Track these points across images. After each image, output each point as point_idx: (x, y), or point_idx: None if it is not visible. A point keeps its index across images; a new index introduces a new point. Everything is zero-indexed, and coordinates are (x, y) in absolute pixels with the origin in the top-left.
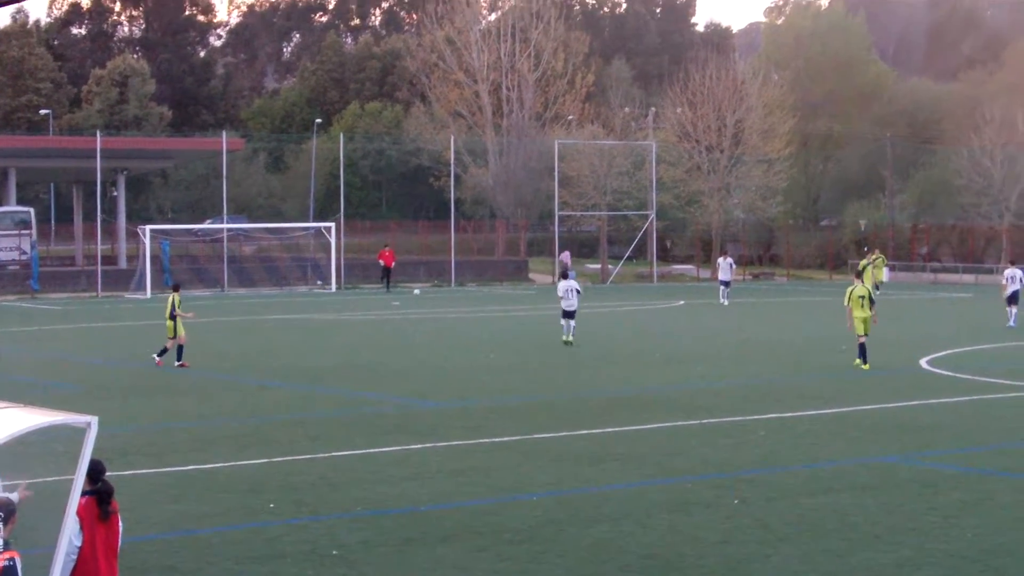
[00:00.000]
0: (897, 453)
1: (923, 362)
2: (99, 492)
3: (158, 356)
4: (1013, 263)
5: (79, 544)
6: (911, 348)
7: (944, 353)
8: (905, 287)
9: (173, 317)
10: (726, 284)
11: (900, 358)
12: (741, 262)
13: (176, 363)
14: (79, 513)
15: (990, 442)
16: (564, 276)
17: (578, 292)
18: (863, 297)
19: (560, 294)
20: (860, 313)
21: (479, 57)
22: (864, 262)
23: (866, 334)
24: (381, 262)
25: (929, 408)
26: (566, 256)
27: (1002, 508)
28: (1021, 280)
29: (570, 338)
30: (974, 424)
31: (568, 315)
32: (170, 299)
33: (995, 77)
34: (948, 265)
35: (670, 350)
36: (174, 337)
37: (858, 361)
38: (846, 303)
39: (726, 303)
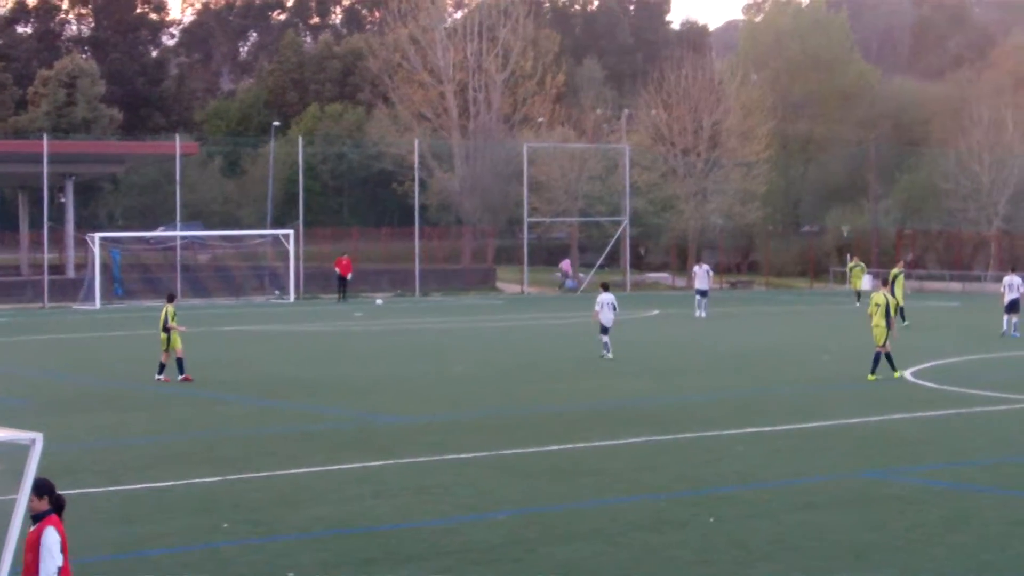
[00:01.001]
0: (880, 468)
1: (908, 374)
2: (60, 509)
3: (159, 375)
4: (1013, 269)
5: (60, 565)
6: (896, 359)
7: (930, 364)
8: None
9: (167, 329)
10: (703, 294)
11: (883, 369)
12: (718, 270)
13: (179, 377)
14: (59, 532)
15: (977, 457)
16: (605, 288)
17: (614, 307)
18: (879, 305)
19: (596, 308)
20: (875, 321)
21: (444, 57)
22: (895, 271)
23: (882, 344)
24: (337, 270)
25: (913, 422)
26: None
27: (989, 525)
28: (1020, 288)
29: (609, 355)
30: (960, 438)
31: (604, 330)
32: (164, 311)
33: (983, 76)
34: (934, 273)
35: (644, 362)
36: (167, 350)
37: (872, 376)
38: (869, 311)
39: (703, 315)
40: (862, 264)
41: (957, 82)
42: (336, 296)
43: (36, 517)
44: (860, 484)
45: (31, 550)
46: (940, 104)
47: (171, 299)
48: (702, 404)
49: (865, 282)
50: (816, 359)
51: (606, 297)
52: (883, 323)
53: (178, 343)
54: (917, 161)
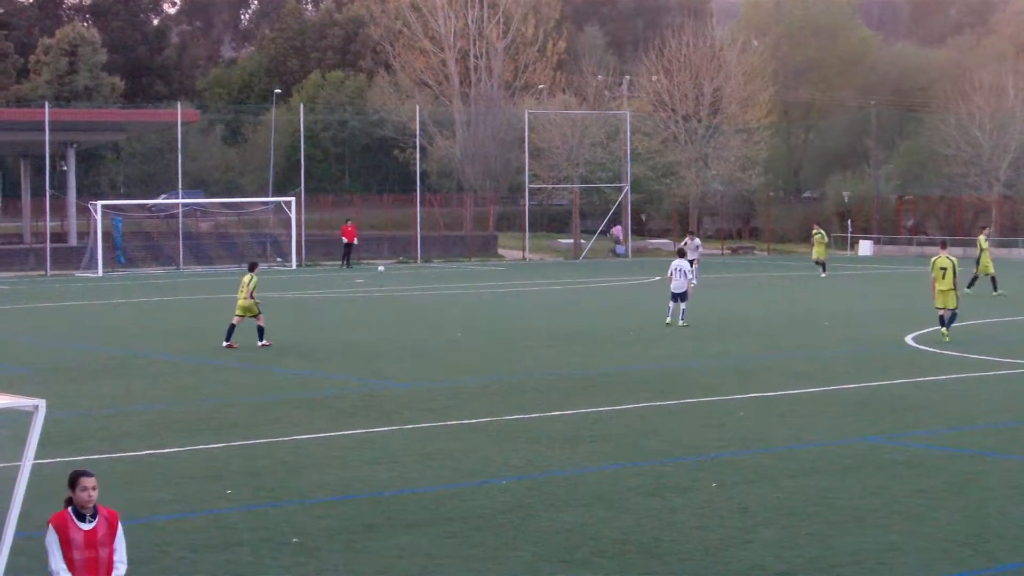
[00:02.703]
0: (882, 433)
1: (909, 339)
2: None
3: (261, 340)
4: None
5: None
6: (896, 324)
7: (930, 329)
8: (891, 260)
9: (252, 296)
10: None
11: (885, 334)
12: (719, 236)
13: (259, 343)
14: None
15: (978, 421)
16: (681, 254)
17: (685, 273)
18: (944, 269)
19: (668, 273)
20: (939, 285)
21: (445, 24)
22: (982, 238)
23: (945, 308)
24: (344, 239)
25: (915, 386)
26: (618, 230)
27: (991, 490)
28: None
29: (682, 322)
30: (961, 403)
31: (676, 297)
32: (248, 279)
33: (984, 42)
34: (935, 238)
35: (645, 328)
36: (242, 316)
37: (944, 331)
38: (931, 272)
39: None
40: (823, 232)
41: (958, 48)
42: (340, 263)
43: (92, 512)
44: (862, 449)
45: (103, 545)
46: (941, 70)
47: (253, 268)
48: (703, 370)
49: (864, 247)
50: (816, 325)
51: (678, 263)
52: (951, 286)
53: (256, 310)
54: (918, 127)
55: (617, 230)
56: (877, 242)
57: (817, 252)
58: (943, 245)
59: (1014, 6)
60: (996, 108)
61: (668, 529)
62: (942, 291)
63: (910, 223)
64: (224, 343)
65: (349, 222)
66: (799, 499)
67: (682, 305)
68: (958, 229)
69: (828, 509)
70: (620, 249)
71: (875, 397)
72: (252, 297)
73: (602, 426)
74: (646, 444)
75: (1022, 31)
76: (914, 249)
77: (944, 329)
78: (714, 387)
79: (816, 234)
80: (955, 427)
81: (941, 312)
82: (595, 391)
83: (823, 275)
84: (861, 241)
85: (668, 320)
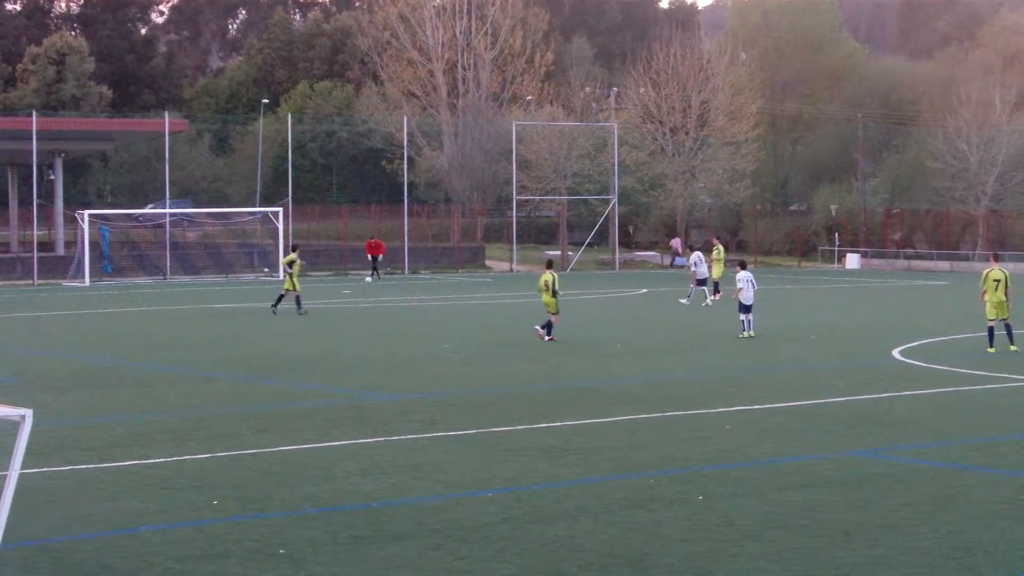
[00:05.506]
0: (868, 447)
1: (896, 352)
2: None
3: (542, 328)
4: None
5: None
6: (884, 338)
7: (918, 343)
8: (878, 274)
9: (555, 293)
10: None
11: (872, 348)
12: (706, 248)
13: (546, 338)
14: None
15: (965, 436)
16: (743, 266)
17: (753, 284)
18: (998, 281)
19: (739, 285)
20: (992, 297)
21: (433, 35)
22: None
23: (999, 319)
24: (369, 254)
25: (902, 400)
26: (676, 242)
27: (977, 504)
28: None
29: (750, 333)
30: (948, 417)
31: (744, 309)
32: (550, 277)
33: (971, 56)
34: (922, 252)
35: (632, 340)
36: (556, 313)
37: (991, 349)
38: (982, 285)
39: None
40: (720, 247)
41: (945, 61)
42: (372, 274)
43: None
44: (848, 463)
45: None
46: (928, 83)
47: (550, 265)
48: (690, 383)
49: (851, 261)
50: (803, 339)
51: (745, 275)
52: (1004, 297)
53: (554, 306)
54: (905, 140)
55: (676, 242)
56: (864, 255)
57: (716, 271)
58: (995, 257)
59: (1001, 20)
60: (983, 122)
61: (654, 542)
62: (996, 303)
63: (897, 236)
64: (546, 338)
65: (373, 239)
66: (785, 512)
67: (749, 316)
68: (945, 243)
69: (814, 523)
70: (680, 260)
71: (862, 411)
72: (555, 294)
73: (589, 438)
74: (632, 456)
75: (1009, 45)
76: (901, 263)
77: (1013, 345)
78: (701, 400)
79: (714, 249)
80: (942, 441)
81: (992, 324)
82: (582, 403)
83: (711, 300)
84: (848, 254)
85: (752, 333)
